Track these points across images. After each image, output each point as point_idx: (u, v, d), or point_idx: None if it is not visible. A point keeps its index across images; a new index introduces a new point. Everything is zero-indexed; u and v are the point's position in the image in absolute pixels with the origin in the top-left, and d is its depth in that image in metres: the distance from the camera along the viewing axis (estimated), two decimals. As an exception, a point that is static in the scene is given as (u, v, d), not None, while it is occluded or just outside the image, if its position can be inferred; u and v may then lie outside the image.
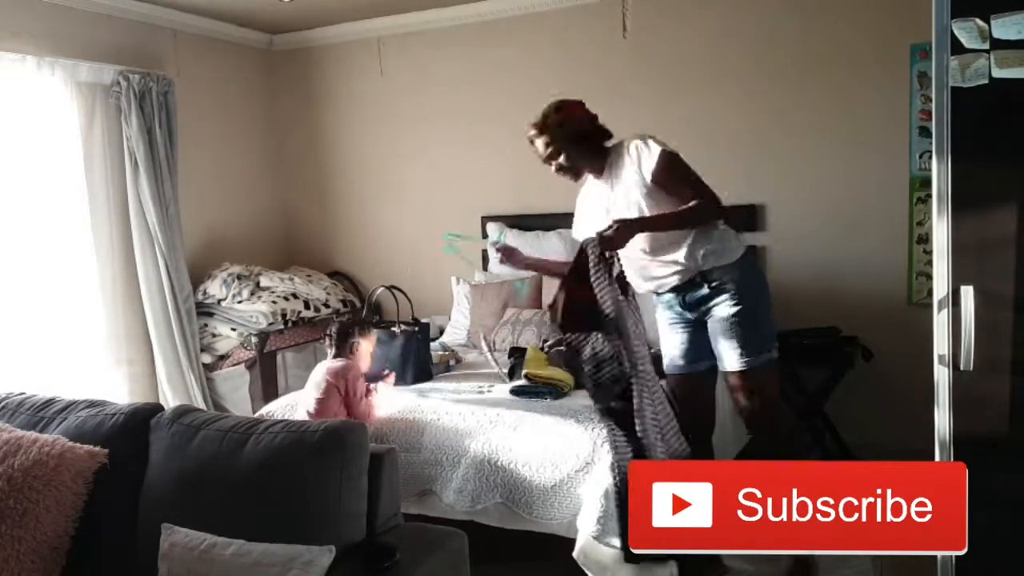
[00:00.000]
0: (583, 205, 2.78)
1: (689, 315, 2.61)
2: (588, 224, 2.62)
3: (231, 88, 4.83)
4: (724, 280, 2.51)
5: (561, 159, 2.61)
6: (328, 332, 3.06)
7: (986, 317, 1.72)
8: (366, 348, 3.02)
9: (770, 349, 2.53)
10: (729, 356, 2.52)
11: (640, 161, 2.51)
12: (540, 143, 2.61)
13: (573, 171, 2.65)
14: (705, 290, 2.54)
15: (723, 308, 2.52)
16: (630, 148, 2.55)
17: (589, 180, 2.72)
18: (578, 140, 2.59)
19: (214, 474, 1.91)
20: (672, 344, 2.69)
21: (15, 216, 3.61)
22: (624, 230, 2.38)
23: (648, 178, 2.49)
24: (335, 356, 2.96)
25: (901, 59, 3.66)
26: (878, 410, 3.65)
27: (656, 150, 2.48)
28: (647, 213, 2.50)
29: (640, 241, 2.50)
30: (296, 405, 2.97)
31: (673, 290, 2.59)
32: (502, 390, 3.03)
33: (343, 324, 3.09)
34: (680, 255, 2.51)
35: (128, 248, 4.04)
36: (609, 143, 2.64)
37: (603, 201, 2.63)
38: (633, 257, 2.55)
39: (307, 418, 2.74)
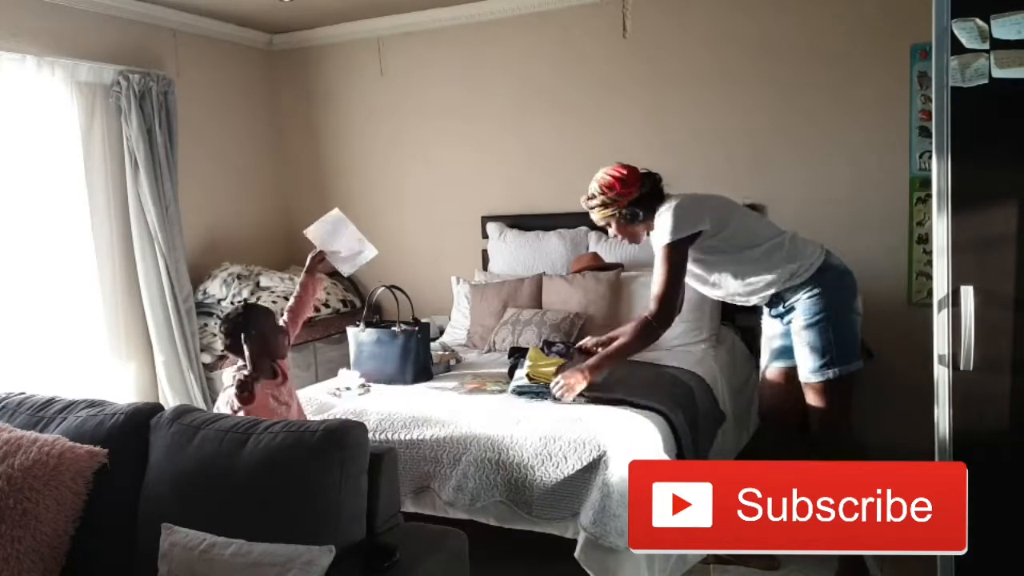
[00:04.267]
0: None
1: (780, 323, 2.79)
2: None
3: (231, 88, 4.83)
4: (794, 299, 2.68)
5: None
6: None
7: (986, 317, 1.72)
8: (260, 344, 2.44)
9: (828, 366, 2.59)
10: (800, 367, 2.67)
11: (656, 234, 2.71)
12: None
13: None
14: (781, 308, 2.73)
15: (795, 323, 2.67)
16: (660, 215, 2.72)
17: None
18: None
19: (214, 474, 1.90)
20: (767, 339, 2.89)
21: (15, 216, 3.60)
22: (578, 378, 2.77)
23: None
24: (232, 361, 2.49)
25: (901, 59, 3.66)
26: (878, 410, 3.64)
27: (664, 239, 2.65)
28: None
29: (729, 280, 2.74)
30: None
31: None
32: (502, 389, 3.03)
33: (227, 316, 2.52)
34: (766, 279, 2.70)
35: (128, 248, 4.04)
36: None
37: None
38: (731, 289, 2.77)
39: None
